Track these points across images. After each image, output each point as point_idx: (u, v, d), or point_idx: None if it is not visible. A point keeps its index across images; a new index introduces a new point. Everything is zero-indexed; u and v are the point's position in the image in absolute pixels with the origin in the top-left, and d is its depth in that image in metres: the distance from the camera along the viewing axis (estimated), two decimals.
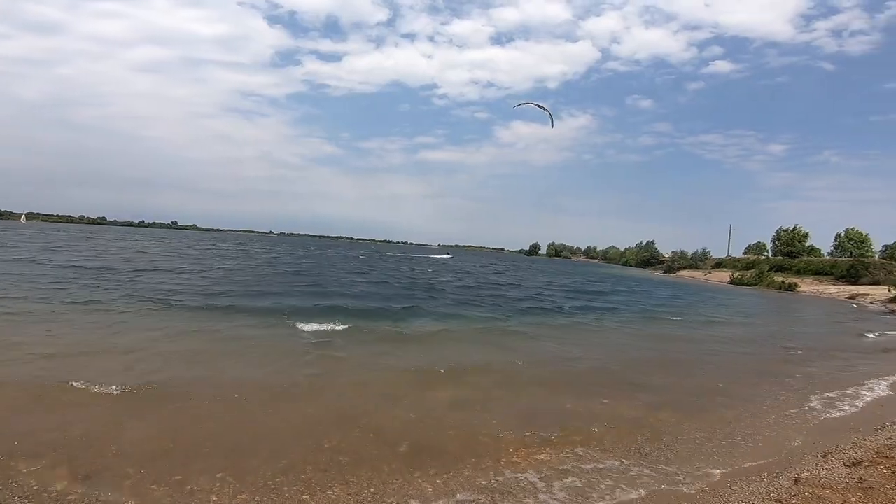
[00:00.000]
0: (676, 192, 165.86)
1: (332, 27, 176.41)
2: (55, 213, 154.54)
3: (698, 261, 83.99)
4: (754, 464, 5.76)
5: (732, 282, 59.01)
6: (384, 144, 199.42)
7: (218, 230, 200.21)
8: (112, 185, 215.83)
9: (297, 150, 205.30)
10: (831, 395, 9.22)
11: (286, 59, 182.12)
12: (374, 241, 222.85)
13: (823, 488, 4.66)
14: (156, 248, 44.01)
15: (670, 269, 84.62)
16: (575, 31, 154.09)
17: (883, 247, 68.51)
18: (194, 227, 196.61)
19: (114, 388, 6.96)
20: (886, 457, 5.45)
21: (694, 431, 6.90)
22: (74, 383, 7.00)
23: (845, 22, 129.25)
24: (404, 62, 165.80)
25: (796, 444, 6.51)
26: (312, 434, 6.13)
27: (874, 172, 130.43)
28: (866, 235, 69.92)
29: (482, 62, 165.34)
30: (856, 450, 5.83)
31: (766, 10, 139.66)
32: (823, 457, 5.68)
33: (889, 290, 36.44)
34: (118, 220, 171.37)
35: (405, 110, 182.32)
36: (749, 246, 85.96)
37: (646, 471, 5.51)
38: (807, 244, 75.23)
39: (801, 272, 58.44)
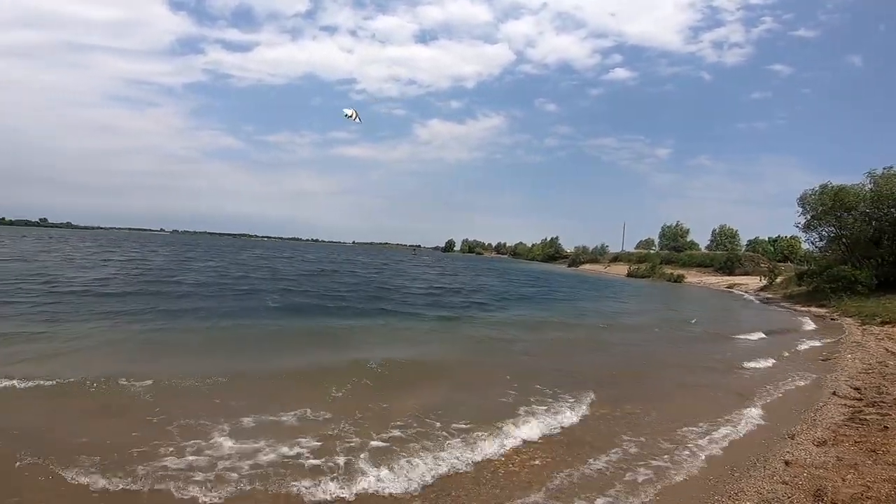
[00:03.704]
0: (577, 191, 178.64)
1: (244, 16, 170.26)
2: None
3: (598, 255, 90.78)
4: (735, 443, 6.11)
5: (629, 274, 64.22)
6: (293, 138, 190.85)
7: (99, 228, 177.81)
8: None
9: (191, 143, 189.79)
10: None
11: (187, 46, 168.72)
12: (280, 238, 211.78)
13: (816, 468, 5.01)
14: None
15: (574, 264, 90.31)
16: (494, 34, 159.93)
17: (748, 241, 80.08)
18: (68, 225, 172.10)
19: None
20: (844, 435, 6.06)
21: (667, 422, 7.17)
22: None
23: (726, 34, 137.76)
24: (320, 55, 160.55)
25: (760, 425, 7.01)
26: None
27: (736, 175, 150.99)
28: (736, 231, 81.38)
29: (404, 59, 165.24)
30: (814, 430, 6.42)
31: (662, 21, 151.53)
32: (791, 437, 6.17)
33: (760, 280, 42.44)
34: None
35: (318, 104, 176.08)
36: (640, 241, 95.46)
37: (652, 462, 5.57)
38: (687, 239, 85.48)
39: (685, 264, 65.59)
